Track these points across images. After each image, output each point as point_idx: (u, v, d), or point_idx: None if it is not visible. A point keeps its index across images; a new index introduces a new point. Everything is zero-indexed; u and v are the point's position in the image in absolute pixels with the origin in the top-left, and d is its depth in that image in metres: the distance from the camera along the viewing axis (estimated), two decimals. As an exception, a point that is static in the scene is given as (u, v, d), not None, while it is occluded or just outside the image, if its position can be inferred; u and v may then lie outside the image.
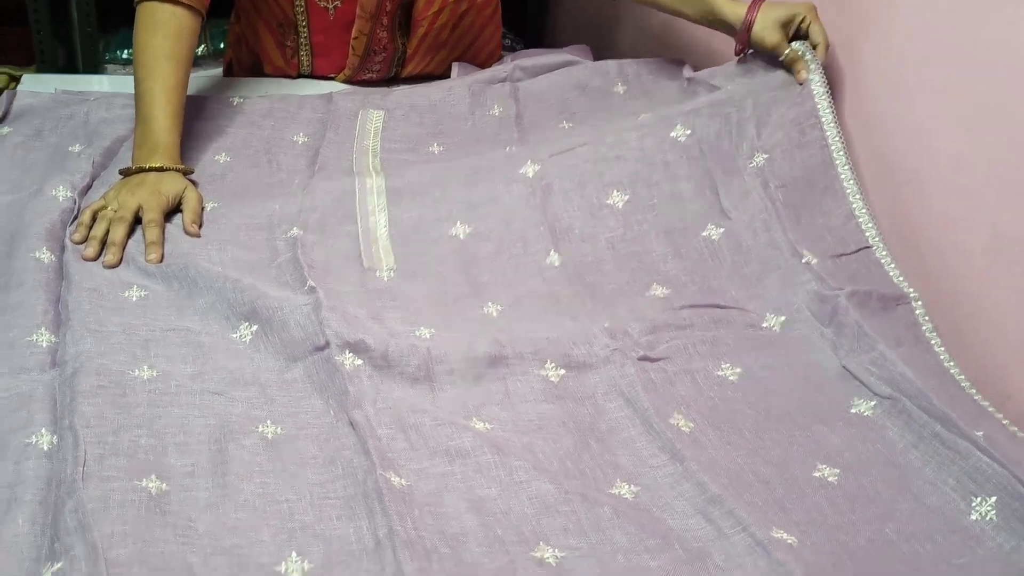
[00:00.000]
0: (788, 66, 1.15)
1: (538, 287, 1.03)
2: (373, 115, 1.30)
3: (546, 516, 0.73)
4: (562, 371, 0.89)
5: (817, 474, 0.82)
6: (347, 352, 0.86)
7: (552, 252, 1.06)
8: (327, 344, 0.87)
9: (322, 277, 0.98)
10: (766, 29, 1.15)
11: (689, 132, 1.13)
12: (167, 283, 0.97)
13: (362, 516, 0.71)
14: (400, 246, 1.07)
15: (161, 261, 0.99)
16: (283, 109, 1.32)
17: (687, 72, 1.29)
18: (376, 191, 1.11)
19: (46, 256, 0.96)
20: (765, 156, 1.11)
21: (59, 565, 0.64)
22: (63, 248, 1.00)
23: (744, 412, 0.89)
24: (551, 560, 0.70)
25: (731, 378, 0.93)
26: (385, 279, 1.02)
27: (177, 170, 1.10)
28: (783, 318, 1.01)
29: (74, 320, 0.88)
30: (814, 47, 1.15)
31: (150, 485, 0.72)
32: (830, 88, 1.13)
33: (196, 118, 1.26)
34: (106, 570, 0.63)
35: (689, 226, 1.09)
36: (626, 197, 1.11)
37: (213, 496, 0.73)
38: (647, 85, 1.32)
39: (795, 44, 1.15)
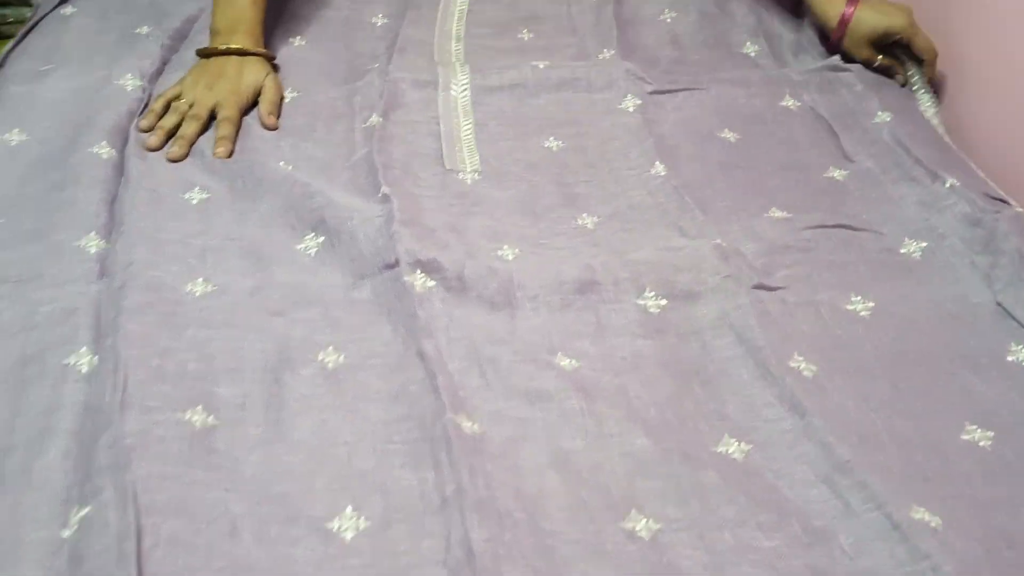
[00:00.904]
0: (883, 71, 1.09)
1: (641, 198, 0.91)
2: (459, -5, 1.17)
3: (640, 477, 0.63)
4: (663, 301, 0.78)
5: (966, 436, 0.69)
6: (418, 272, 0.76)
7: (657, 163, 0.93)
8: (397, 262, 0.77)
9: (399, 178, 0.88)
10: (857, 45, 1.06)
11: (799, 104, 1.05)
12: (231, 182, 0.88)
13: (428, 467, 0.62)
14: (486, 148, 0.95)
15: (229, 156, 0.91)
16: (363, -12, 1.19)
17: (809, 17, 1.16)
18: (460, 97, 0.99)
19: (106, 151, 0.88)
20: (890, 115, 1.01)
21: (86, 510, 0.57)
22: (126, 141, 0.92)
23: (877, 355, 0.76)
24: (643, 533, 0.60)
25: (862, 313, 0.80)
26: (469, 182, 0.91)
27: (260, 55, 1.00)
28: (924, 243, 0.86)
29: (128, 224, 0.81)
30: (920, 62, 1.06)
31: (195, 418, 0.65)
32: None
33: (269, -2, 1.15)
34: (136, 519, 0.56)
35: (809, 166, 0.97)
36: (737, 135, 1.00)
37: (266, 433, 0.65)
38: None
39: (908, 69, 1.08)
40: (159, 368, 0.68)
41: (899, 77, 1.07)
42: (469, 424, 0.65)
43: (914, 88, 1.07)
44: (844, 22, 1.05)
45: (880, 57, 1.07)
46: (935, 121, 1.04)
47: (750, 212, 0.90)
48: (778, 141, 0.99)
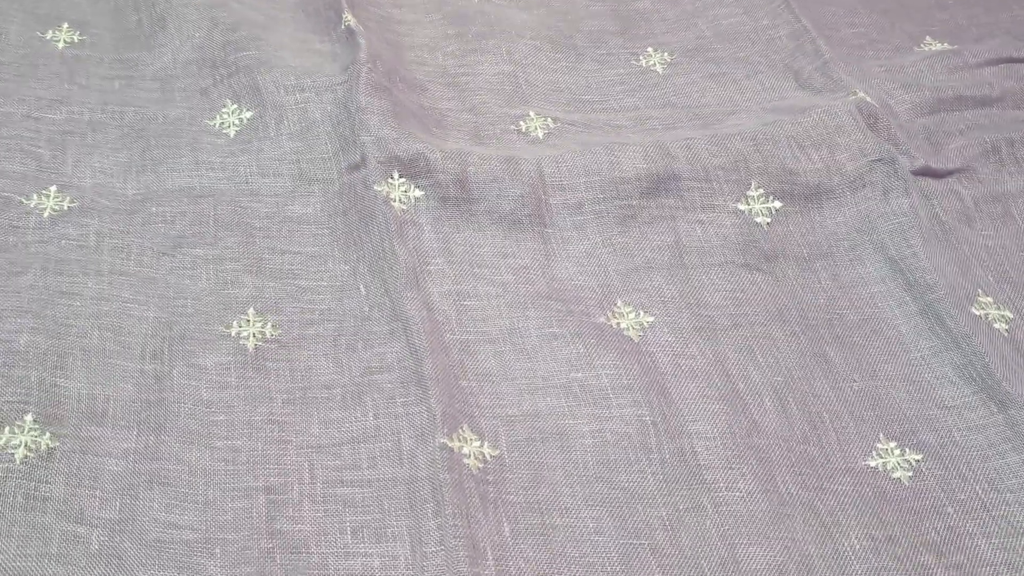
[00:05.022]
0: None
1: (732, 21, 0.61)
2: None
3: (747, 543, 0.40)
4: (777, 203, 0.51)
5: None
6: (395, 174, 0.49)
7: None
8: (363, 160, 0.49)
9: None
10: None
11: None
12: (116, 16, 0.59)
13: (400, 537, 0.39)
14: None
15: None
16: None
17: None
18: None
19: None
20: None
21: None
22: None
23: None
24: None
25: (1074, 208, 0.53)
26: (476, 0, 0.63)
27: None
28: None
29: None
30: None
31: (20, 439, 0.41)
32: None
33: None
34: None
35: None
36: None
37: (137, 466, 0.40)
38: None
39: None
40: None
41: None
42: (476, 447, 0.41)
43: None
44: None
45: None
46: None
47: (895, 43, 0.61)
48: None
